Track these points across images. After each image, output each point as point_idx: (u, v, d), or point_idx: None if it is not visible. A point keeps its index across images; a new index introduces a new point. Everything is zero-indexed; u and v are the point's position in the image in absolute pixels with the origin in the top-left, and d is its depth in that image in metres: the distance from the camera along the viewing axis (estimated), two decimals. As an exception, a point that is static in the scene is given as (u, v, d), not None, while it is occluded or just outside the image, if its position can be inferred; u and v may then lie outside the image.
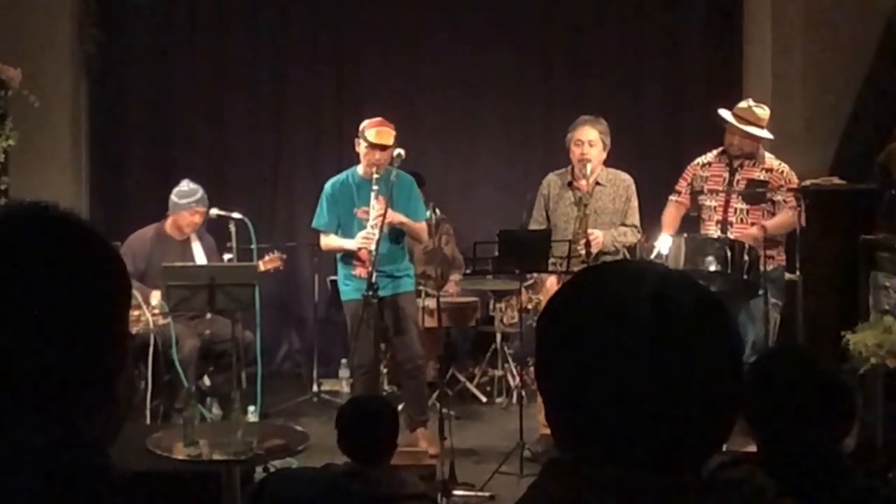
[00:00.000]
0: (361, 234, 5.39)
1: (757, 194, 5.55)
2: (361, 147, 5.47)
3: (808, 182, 6.59)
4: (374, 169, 5.40)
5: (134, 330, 5.58)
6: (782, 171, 5.62)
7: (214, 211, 5.97)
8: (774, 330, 5.71)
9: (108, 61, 7.63)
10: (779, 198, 5.58)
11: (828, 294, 6.42)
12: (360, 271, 5.47)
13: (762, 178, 5.58)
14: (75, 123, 7.52)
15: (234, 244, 5.76)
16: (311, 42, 7.92)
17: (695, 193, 5.73)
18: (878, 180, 6.67)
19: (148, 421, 5.61)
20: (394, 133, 5.46)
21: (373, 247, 5.29)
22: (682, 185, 5.78)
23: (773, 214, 5.60)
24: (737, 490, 1.12)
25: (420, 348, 5.63)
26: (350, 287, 5.55)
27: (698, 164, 5.76)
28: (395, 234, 5.54)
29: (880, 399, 4.98)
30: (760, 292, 5.35)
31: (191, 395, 4.81)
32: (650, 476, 1.08)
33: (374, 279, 5.15)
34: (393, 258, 5.53)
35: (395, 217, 5.39)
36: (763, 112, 5.59)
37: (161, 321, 5.65)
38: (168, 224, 6.11)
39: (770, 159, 5.67)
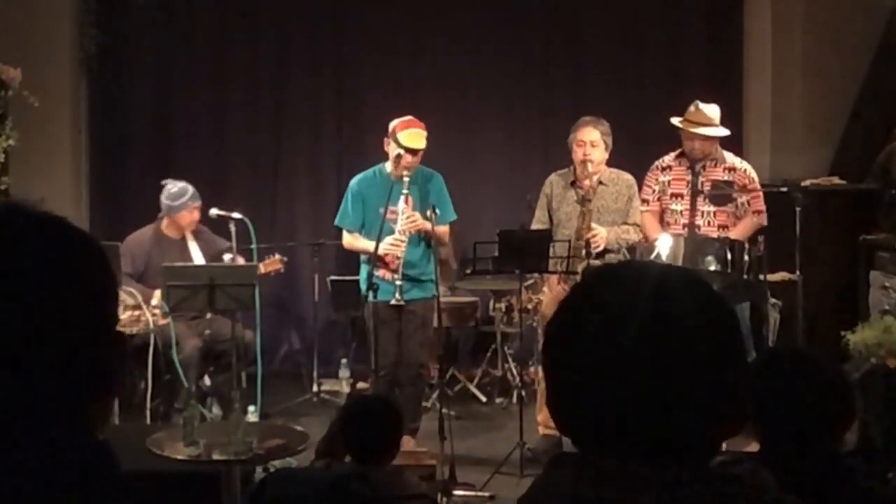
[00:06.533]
0: (389, 239, 5.23)
1: (723, 195, 5.55)
2: (392, 148, 5.31)
3: (808, 182, 6.60)
4: (405, 172, 5.25)
5: (134, 330, 5.59)
6: (745, 170, 5.62)
7: (214, 211, 5.97)
8: (774, 330, 5.71)
9: (108, 61, 7.63)
10: (742, 199, 5.58)
11: (828, 294, 6.43)
12: (383, 273, 5.32)
13: (726, 177, 5.58)
14: (75, 123, 7.53)
15: (234, 244, 5.76)
16: (311, 42, 7.92)
17: (661, 198, 5.69)
18: (878, 180, 6.68)
19: (148, 421, 5.61)
20: (426, 133, 5.33)
21: (400, 253, 5.23)
22: (647, 192, 5.71)
23: (737, 216, 5.59)
24: (737, 485, 1.13)
25: (425, 357, 5.56)
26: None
27: (658, 167, 5.72)
28: (422, 239, 5.40)
29: (880, 399, 4.98)
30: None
31: (191, 395, 4.81)
32: (652, 470, 1.09)
33: (400, 283, 5.13)
34: (419, 263, 5.38)
35: (424, 225, 5.27)
36: (712, 111, 5.56)
37: (161, 321, 5.65)
38: (164, 224, 6.13)
39: (731, 158, 5.66)
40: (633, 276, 1.18)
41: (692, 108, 5.58)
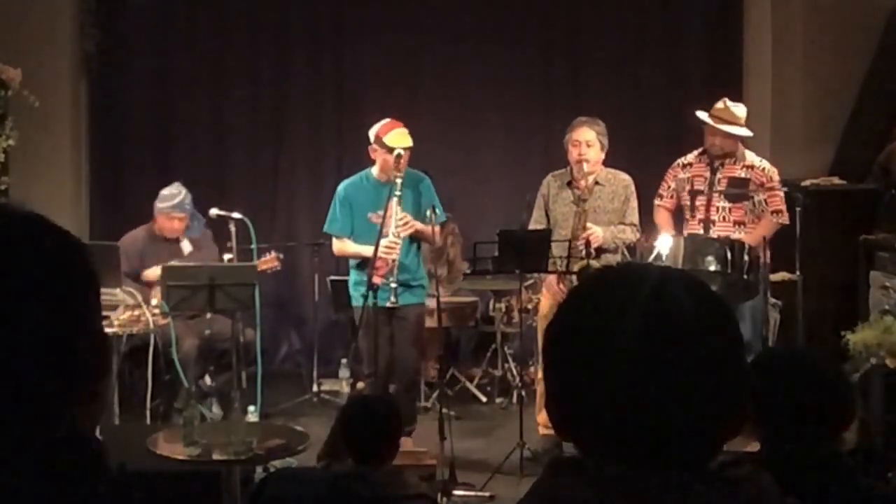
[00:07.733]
0: (384, 241, 5.19)
1: (738, 193, 5.57)
2: (380, 152, 5.31)
3: (808, 182, 6.61)
4: (396, 174, 5.21)
5: (134, 330, 5.60)
6: (763, 168, 5.63)
7: (214, 211, 5.97)
8: (774, 330, 5.71)
9: (108, 61, 7.63)
10: (759, 197, 5.59)
11: (828, 294, 6.43)
12: (374, 278, 5.28)
13: (743, 175, 5.60)
14: (75, 123, 7.52)
15: (233, 244, 5.76)
16: (311, 42, 7.92)
17: (679, 194, 5.74)
18: (878, 180, 6.68)
19: (148, 421, 5.62)
20: (407, 131, 5.34)
21: (395, 255, 5.20)
22: (664, 188, 5.78)
23: (755, 213, 5.59)
24: (739, 488, 1.13)
25: (419, 363, 5.52)
26: (362, 293, 5.32)
27: (679, 164, 5.77)
28: (414, 241, 5.40)
29: (880, 399, 4.98)
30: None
31: (191, 395, 4.81)
32: (652, 473, 1.09)
33: (395, 286, 5.12)
34: (410, 267, 5.39)
35: (416, 225, 5.27)
36: (740, 110, 5.61)
37: (161, 321, 5.65)
38: (157, 225, 6.17)
39: (751, 157, 5.68)
40: (633, 277, 1.17)
41: (720, 104, 5.61)
